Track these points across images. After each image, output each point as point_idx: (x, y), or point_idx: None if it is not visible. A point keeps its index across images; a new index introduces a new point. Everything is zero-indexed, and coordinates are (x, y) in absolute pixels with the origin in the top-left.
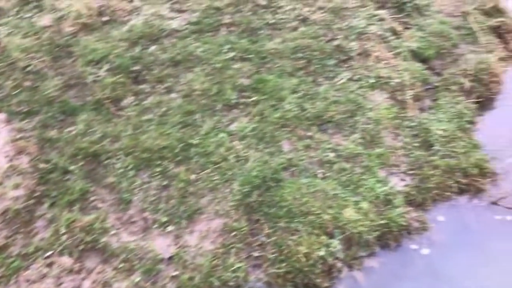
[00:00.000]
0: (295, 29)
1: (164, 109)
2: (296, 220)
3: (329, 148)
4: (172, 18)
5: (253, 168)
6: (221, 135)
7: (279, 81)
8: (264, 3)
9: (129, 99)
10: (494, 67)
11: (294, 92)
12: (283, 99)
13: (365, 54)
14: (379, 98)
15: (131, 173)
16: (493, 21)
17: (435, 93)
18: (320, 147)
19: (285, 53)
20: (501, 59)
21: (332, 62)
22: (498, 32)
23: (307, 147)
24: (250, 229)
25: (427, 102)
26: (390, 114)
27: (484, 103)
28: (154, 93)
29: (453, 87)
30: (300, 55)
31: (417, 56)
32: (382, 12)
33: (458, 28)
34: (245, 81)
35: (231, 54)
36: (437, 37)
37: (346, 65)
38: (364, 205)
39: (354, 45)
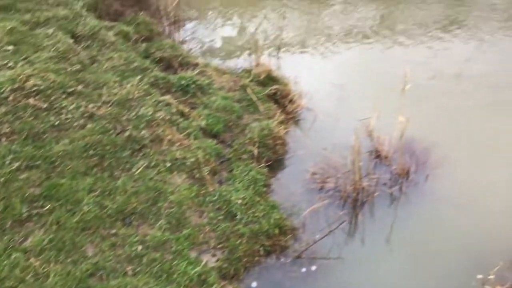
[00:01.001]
0: (82, 127)
1: None
2: None
3: (136, 241)
4: None
5: (55, 283)
6: (15, 255)
7: (73, 183)
8: (45, 105)
9: None
10: (276, 131)
11: (91, 191)
12: (80, 201)
13: (157, 140)
14: (179, 180)
15: None
16: (269, 90)
17: (229, 164)
18: (127, 242)
19: (76, 153)
20: (281, 122)
21: (126, 153)
22: (274, 98)
23: (113, 245)
24: None
25: (224, 174)
26: (191, 193)
27: (274, 166)
28: None
29: (244, 156)
30: (91, 152)
31: (207, 132)
32: (168, 97)
33: (240, 101)
34: (36, 190)
35: (16, 164)
36: (222, 112)
37: (141, 154)
38: None
39: (145, 133)
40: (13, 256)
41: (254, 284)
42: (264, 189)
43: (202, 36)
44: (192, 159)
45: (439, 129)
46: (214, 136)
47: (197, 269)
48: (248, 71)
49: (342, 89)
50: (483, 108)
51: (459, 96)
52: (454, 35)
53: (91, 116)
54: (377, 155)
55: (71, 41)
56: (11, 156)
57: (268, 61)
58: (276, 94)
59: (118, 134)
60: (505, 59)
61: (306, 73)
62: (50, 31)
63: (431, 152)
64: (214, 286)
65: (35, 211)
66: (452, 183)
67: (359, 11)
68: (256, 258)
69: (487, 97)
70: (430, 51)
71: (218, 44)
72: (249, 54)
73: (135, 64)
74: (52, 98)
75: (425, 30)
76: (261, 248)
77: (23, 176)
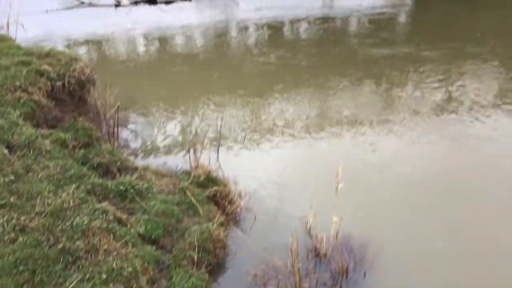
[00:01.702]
0: (13, 241)
1: None
2: None
3: None
4: None
5: None
6: None
7: None
8: None
9: None
10: (216, 233)
11: None
12: None
13: (93, 250)
14: None
15: None
16: (209, 191)
17: (169, 271)
18: None
19: (5, 269)
20: (222, 224)
21: (59, 267)
22: (215, 200)
23: None
24: None
25: (163, 283)
26: None
27: (215, 270)
28: None
29: (184, 262)
30: (22, 268)
31: (146, 239)
32: (105, 204)
33: (180, 204)
34: None
35: None
36: (162, 216)
37: (75, 266)
38: None
39: (80, 244)
40: None
41: None
42: None
43: (143, 137)
44: (130, 269)
45: (374, 224)
46: (153, 241)
47: None
48: (187, 173)
49: (280, 186)
50: (416, 200)
51: (392, 190)
52: (387, 130)
53: (22, 229)
54: (316, 254)
55: (5, 151)
56: None
57: (208, 160)
58: (216, 195)
59: (51, 246)
60: (434, 155)
61: (246, 171)
62: None
63: (368, 248)
64: None
65: None
66: (389, 278)
67: (294, 106)
68: None
69: (418, 190)
70: (364, 146)
71: (158, 145)
72: (189, 155)
73: (72, 172)
74: None
75: (358, 125)
76: None
77: None
